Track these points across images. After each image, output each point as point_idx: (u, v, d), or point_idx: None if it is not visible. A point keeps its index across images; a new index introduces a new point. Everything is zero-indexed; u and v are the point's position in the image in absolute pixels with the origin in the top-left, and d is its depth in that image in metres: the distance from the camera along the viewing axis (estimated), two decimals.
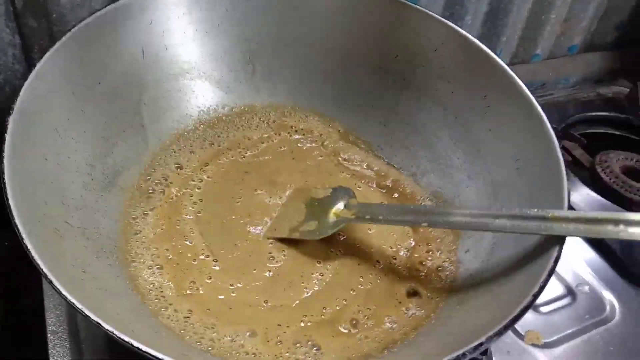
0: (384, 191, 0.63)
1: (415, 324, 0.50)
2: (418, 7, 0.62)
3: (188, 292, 0.50)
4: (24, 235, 0.38)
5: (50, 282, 0.36)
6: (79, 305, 0.36)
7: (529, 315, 0.61)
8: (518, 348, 0.59)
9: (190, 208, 0.57)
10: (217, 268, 0.53)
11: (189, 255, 0.53)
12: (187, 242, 0.54)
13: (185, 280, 0.51)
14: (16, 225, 0.39)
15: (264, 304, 0.51)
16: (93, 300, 0.40)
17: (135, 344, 0.35)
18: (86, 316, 0.36)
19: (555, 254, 0.43)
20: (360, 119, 0.67)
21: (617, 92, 0.99)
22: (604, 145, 0.83)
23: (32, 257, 0.37)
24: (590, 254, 0.70)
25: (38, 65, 0.49)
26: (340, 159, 0.66)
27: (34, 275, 0.55)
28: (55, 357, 0.51)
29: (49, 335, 0.52)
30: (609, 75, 1.05)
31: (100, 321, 0.35)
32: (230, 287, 0.52)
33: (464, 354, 0.37)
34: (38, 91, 0.48)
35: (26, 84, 0.47)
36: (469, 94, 0.60)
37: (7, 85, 0.67)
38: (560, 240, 0.44)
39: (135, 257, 0.52)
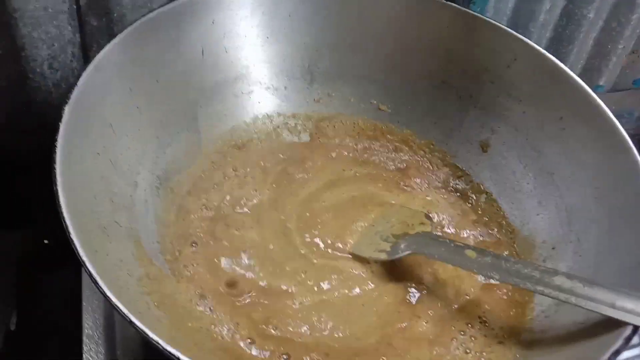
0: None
1: None
2: (490, 19, 0.59)
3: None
4: (71, 229, 0.36)
5: (95, 281, 0.34)
6: (123, 309, 0.33)
7: None
8: None
9: (244, 218, 0.54)
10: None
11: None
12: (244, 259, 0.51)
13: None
14: (64, 218, 0.36)
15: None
16: (136, 305, 0.37)
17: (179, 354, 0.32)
18: (130, 322, 0.33)
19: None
20: (420, 135, 0.64)
21: None
22: None
23: (77, 251, 0.35)
24: None
25: (97, 57, 0.48)
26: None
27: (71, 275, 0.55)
28: None
29: (84, 339, 0.50)
30: None
31: (145, 329, 0.32)
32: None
33: None
34: (95, 84, 0.47)
35: (84, 74, 0.46)
36: (542, 114, 0.56)
37: (63, 82, 0.66)
38: None
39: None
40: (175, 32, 0.55)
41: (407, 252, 0.50)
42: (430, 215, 0.57)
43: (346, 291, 0.50)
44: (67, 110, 0.43)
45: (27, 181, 0.69)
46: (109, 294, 0.33)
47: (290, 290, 0.49)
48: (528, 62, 0.57)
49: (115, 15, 0.63)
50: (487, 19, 0.59)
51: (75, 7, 0.63)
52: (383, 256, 0.51)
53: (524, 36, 0.78)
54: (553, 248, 0.52)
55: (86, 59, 0.65)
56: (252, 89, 0.62)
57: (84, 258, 0.35)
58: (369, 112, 0.65)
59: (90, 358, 0.49)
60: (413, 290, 0.51)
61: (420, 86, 0.63)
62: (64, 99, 0.44)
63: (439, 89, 0.62)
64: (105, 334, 0.51)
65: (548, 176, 0.55)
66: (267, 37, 0.61)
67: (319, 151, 0.61)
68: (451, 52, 0.61)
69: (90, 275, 0.34)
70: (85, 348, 0.49)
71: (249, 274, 0.49)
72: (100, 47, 0.60)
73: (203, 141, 0.58)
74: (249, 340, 0.45)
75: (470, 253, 0.47)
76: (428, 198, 0.59)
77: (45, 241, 0.68)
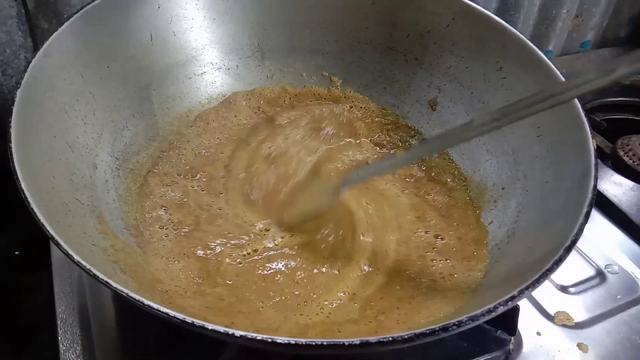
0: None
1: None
2: None
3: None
4: (30, 201, 0.37)
5: (57, 243, 0.35)
6: (85, 264, 0.34)
7: (559, 296, 0.59)
8: (548, 329, 0.56)
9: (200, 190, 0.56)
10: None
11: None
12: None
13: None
14: (22, 190, 0.37)
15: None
16: (103, 269, 0.38)
17: (146, 302, 0.33)
18: (94, 276, 0.34)
19: (585, 208, 0.41)
20: (374, 101, 0.66)
21: (636, 80, 0.97)
22: (622, 131, 0.81)
23: (38, 219, 0.36)
24: (618, 235, 0.67)
25: (45, 44, 0.48)
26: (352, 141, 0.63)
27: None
28: (65, 344, 0.49)
29: (58, 322, 0.50)
30: None
31: (110, 281, 0.33)
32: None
33: (497, 306, 0.35)
34: (45, 70, 0.48)
35: (34, 61, 0.47)
36: (483, 67, 0.59)
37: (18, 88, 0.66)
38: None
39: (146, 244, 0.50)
40: (122, 19, 0.56)
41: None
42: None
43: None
44: (19, 94, 0.44)
45: None
46: (71, 252, 0.34)
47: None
48: (465, 19, 0.60)
49: (65, 16, 0.63)
50: None
51: (23, 11, 0.63)
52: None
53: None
54: (503, 188, 0.55)
55: None
56: (204, 70, 0.63)
57: (44, 222, 0.36)
58: (321, 85, 0.67)
59: (65, 339, 0.49)
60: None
61: (368, 54, 0.65)
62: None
63: (386, 55, 0.65)
64: (80, 318, 0.52)
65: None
66: (214, 19, 0.62)
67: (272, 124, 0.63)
68: (395, 18, 0.63)
69: (52, 238, 0.35)
70: (60, 331, 0.50)
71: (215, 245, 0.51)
72: None
73: (159, 123, 0.59)
74: None
75: (398, 153, 0.51)
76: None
77: (16, 252, 0.68)
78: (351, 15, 0.64)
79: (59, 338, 0.49)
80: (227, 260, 0.48)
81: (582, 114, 0.49)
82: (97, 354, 0.49)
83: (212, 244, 0.50)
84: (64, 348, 0.49)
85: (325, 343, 0.32)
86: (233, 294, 0.46)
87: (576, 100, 0.50)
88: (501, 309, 0.35)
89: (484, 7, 0.84)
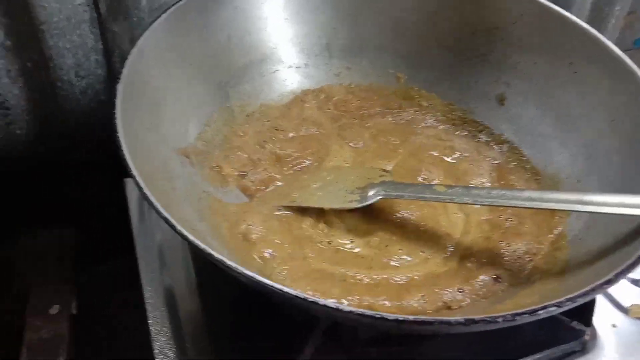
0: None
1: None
2: None
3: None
4: (142, 184, 0.39)
5: (169, 223, 0.37)
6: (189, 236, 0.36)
7: (632, 290, 0.59)
8: (623, 322, 0.56)
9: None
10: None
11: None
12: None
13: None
14: (133, 176, 0.40)
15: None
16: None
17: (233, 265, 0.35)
18: (208, 254, 0.36)
19: None
20: (439, 97, 0.67)
21: None
22: None
23: (155, 207, 0.39)
24: None
25: (139, 42, 0.52)
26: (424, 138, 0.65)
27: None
28: (155, 327, 0.51)
29: (148, 307, 0.53)
30: None
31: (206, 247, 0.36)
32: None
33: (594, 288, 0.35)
34: (140, 66, 0.51)
35: (130, 57, 0.50)
36: (553, 62, 0.60)
37: (89, 89, 0.70)
38: None
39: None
40: (201, 19, 0.59)
41: (379, 197, 0.52)
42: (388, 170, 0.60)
43: None
44: (119, 88, 0.47)
45: (69, 183, 0.73)
46: (179, 228, 0.36)
47: None
48: (534, 15, 0.61)
49: (134, 19, 0.66)
50: None
51: (96, 15, 0.66)
52: (354, 204, 0.53)
53: None
54: (578, 181, 0.55)
55: (109, 65, 0.68)
56: (276, 68, 0.65)
57: (152, 199, 0.38)
58: (388, 82, 0.69)
59: (156, 324, 0.52)
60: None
61: (435, 51, 0.66)
62: (91, 106, 0.47)
63: (452, 52, 0.66)
64: (167, 303, 0.54)
65: (565, 118, 0.58)
66: (286, 19, 0.65)
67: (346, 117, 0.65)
68: (461, 15, 0.64)
69: (174, 227, 0.38)
70: (150, 315, 0.52)
71: None
72: (123, 52, 0.64)
73: (237, 119, 0.62)
74: None
75: (439, 187, 0.51)
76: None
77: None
78: (418, 13, 0.65)
79: (149, 322, 0.52)
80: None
81: None
82: (186, 338, 0.51)
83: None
84: (155, 331, 0.51)
85: (432, 320, 0.33)
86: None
87: None
88: (598, 291, 0.36)
89: None
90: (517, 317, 0.35)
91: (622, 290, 0.58)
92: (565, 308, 0.36)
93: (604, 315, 0.56)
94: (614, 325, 0.55)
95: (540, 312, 0.35)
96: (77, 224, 0.70)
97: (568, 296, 0.36)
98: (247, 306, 0.50)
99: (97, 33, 0.68)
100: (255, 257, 0.48)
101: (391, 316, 0.33)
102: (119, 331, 0.61)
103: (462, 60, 0.66)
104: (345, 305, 0.34)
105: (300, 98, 0.66)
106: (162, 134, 0.51)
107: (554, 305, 0.35)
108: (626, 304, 0.57)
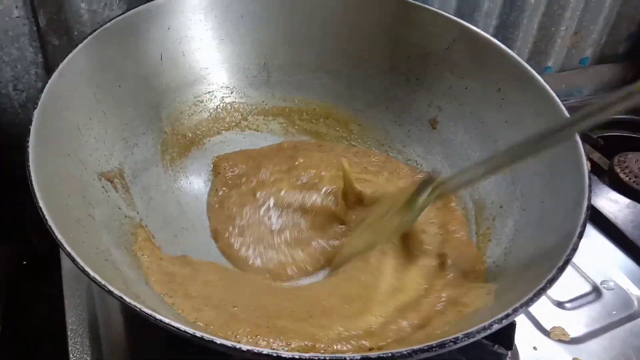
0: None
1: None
2: (427, 6, 0.63)
3: None
4: (48, 219, 0.39)
5: (73, 260, 0.37)
6: (100, 279, 0.36)
7: (555, 312, 0.60)
8: (545, 344, 0.57)
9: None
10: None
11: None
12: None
13: None
14: (40, 209, 0.39)
15: None
16: (114, 283, 0.40)
17: (157, 316, 0.35)
18: (108, 291, 0.36)
19: (579, 229, 0.43)
20: (375, 120, 0.68)
21: None
22: (619, 148, 0.83)
23: (56, 237, 0.38)
24: (614, 251, 0.68)
25: (61, 65, 0.51)
26: (356, 160, 0.65)
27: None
28: (75, 354, 0.50)
29: (68, 333, 0.52)
30: (621, 85, 1.05)
31: (121, 294, 0.35)
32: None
33: (492, 324, 0.36)
34: (60, 90, 0.50)
35: (50, 81, 0.49)
36: (483, 88, 0.61)
37: (29, 103, 0.69)
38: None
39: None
40: (133, 40, 0.58)
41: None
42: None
43: None
44: (36, 114, 0.46)
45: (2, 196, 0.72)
46: (86, 268, 0.36)
47: None
48: (465, 41, 0.62)
49: (75, 33, 0.65)
50: (426, 5, 0.64)
51: (35, 28, 0.65)
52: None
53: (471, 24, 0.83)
54: (501, 207, 0.56)
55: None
56: (212, 88, 0.65)
57: (61, 239, 0.37)
58: (327, 103, 0.69)
59: (76, 350, 0.51)
60: None
61: (371, 73, 0.67)
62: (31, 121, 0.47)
63: (388, 74, 0.67)
64: (90, 329, 0.53)
65: (492, 143, 0.60)
66: (222, 39, 0.65)
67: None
68: (397, 39, 0.65)
69: (69, 255, 0.37)
70: (70, 342, 0.51)
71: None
72: None
73: (169, 141, 0.61)
74: None
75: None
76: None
77: (24, 262, 0.70)
78: (355, 36, 0.66)
79: (69, 349, 0.51)
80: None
81: (577, 136, 0.51)
82: None
83: None
84: (74, 358, 0.50)
85: (327, 358, 0.34)
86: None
87: (580, 144, 0.52)
88: (496, 327, 0.37)
89: (484, 25, 0.88)
90: (415, 354, 0.35)
91: (544, 312, 0.60)
92: (463, 344, 0.36)
93: (525, 338, 0.57)
94: (534, 348, 0.57)
95: (435, 348, 0.35)
96: (11, 240, 0.69)
97: (465, 331, 0.36)
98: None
99: (37, 46, 0.67)
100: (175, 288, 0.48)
101: (288, 355, 0.34)
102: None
103: (398, 83, 0.67)
104: (241, 345, 0.33)
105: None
106: (83, 159, 0.50)
107: (450, 341, 0.36)
108: (548, 326, 0.59)
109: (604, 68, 1.06)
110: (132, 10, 0.57)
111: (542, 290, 0.39)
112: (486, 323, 0.37)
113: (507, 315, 0.37)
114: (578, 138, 0.50)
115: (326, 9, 0.65)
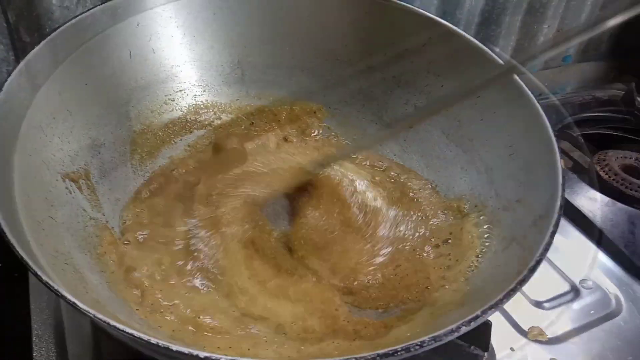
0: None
1: None
2: (402, 3, 0.62)
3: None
4: (3, 225, 0.37)
5: (26, 264, 0.35)
6: (52, 284, 0.34)
7: (533, 312, 0.60)
8: (522, 344, 0.56)
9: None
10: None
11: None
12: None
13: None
14: None
15: None
16: (74, 289, 0.39)
17: (114, 323, 0.33)
18: (61, 296, 0.34)
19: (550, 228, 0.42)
20: (352, 118, 0.67)
21: (613, 95, 0.98)
22: (600, 146, 0.83)
23: (8, 239, 0.36)
24: (593, 250, 0.68)
25: (22, 62, 0.49)
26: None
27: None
28: None
29: (34, 338, 0.50)
30: (603, 83, 1.04)
31: (75, 300, 0.34)
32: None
33: (460, 326, 0.35)
34: (21, 88, 0.48)
35: (9, 79, 0.47)
36: (458, 85, 0.60)
37: None
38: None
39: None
40: (100, 37, 0.56)
41: None
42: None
43: None
44: None
45: None
46: (44, 278, 0.34)
47: None
48: (441, 39, 0.61)
49: (47, 30, 0.63)
50: (402, 3, 0.62)
51: (5, 24, 0.63)
52: None
53: (452, 24, 0.83)
54: (475, 206, 0.56)
55: None
56: (183, 86, 0.64)
57: (18, 249, 0.36)
58: (301, 101, 0.68)
59: (40, 356, 0.49)
60: None
61: (347, 72, 0.66)
62: None
63: (364, 73, 0.65)
64: (55, 334, 0.52)
65: (468, 142, 0.59)
66: (194, 36, 0.63)
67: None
68: (372, 38, 0.64)
69: (22, 259, 0.35)
70: (35, 347, 0.50)
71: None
72: None
73: (137, 140, 0.60)
74: None
75: None
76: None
77: None
78: (330, 34, 0.65)
79: (34, 355, 0.49)
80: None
81: (552, 135, 0.50)
82: None
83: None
84: None
85: None
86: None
87: (546, 121, 0.51)
88: (464, 329, 0.36)
89: (466, 23, 0.87)
90: (379, 359, 0.34)
91: (521, 312, 0.59)
92: (430, 347, 0.35)
93: (502, 338, 0.56)
94: (512, 349, 0.56)
95: (401, 352, 0.34)
96: None
97: (432, 334, 0.35)
98: None
99: (7, 44, 0.65)
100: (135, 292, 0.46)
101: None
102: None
103: (374, 81, 0.65)
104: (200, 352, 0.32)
105: None
106: (45, 159, 0.48)
107: (416, 344, 0.35)
108: (525, 326, 0.58)
109: (586, 66, 1.06)
110: (99, 7, 0.55)
111: (512, 292, 0.38)
112: (454, 325, 0.36)
113: (476, 317, 0.36)
114: (553, 137, 0.50)
115: (300, 7, 0.64)
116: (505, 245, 0.48)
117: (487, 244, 0.51)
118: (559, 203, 0.45)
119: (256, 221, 0.55)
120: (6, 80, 0.47)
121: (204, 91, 0.65)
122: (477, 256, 0.50)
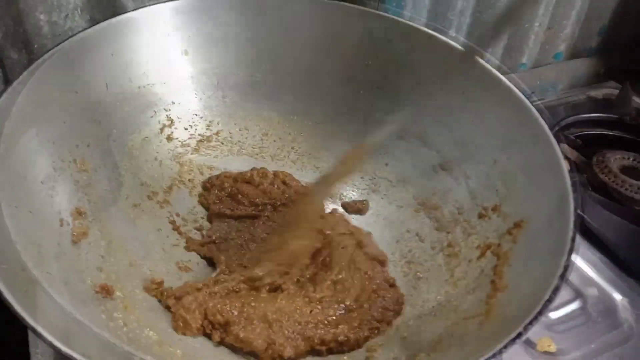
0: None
1: None
2: (383, 13, 0.61)
3: None
4: (2, 289, 0.36)
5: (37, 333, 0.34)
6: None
7: (540, 323, 0.57)
8: (531, 356, 0.55)
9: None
10: None
11: None
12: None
13: None
14: None
15: None
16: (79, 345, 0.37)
17: None
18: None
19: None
20: (336, 132, 0.66)
21: (608, 94, 0.98)
22: (598, 147, 0.82)
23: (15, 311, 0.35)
24: (595, 257, 0.66)
25: None
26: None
27: None
28: None
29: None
30: (595, 80, 1.04)
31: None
32: None
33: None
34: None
35: None
36: (446, 92, 0.59)
37: None
38: None
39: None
40: (75, 71, 0.54)
41: None
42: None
43: None
44: None
45: None
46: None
47: None
48: (424, 46, 0.60)
49: (35, 46, 0.61)
50: (381, 12, 0.61)
51: None
52: None
53: (444, 24, 0.81)
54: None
55: None
56: (163, 114, 0.62)
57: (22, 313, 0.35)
58: (285, 118, 0.67)
59: None
60: None
61: (329, 85, 0.65)
62: None
63: (347, 85, 0.65)
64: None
65: (461, 147, 0.59)
66: (169, 60, 0.61)
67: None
68: (352, 49, 0.63)
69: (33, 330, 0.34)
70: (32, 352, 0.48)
71: None
72: None
73: (123, 175, 0.57)
74: None
75: None
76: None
77: None
78: (309, 50, 0.64)
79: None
80: None
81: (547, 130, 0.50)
82: None
83: None
84: None
85: None
86: None
87: (555, 142, 0.50)
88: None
89: (458, 24, 0.86)
90: None
91: None
92: None
93: (511, 350, 0.54)
94: None
95: None
96: None
97: None
98: None
99: None
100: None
101: None
102: None
103: (357, 92, 0.65)
104: None
105: None
106: (32, 210, 0.45)
107: None
108: (534, 338, 0.57)
109: (577, 63, 1.05)
110: (70, 39, 0.53)
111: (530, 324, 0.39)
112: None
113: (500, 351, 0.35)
114: (560, 153, 0.49)
115: (276, 27, 0.63)
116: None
117: None
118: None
119: None
120: None
121: (185, 114, 0.64)
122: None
